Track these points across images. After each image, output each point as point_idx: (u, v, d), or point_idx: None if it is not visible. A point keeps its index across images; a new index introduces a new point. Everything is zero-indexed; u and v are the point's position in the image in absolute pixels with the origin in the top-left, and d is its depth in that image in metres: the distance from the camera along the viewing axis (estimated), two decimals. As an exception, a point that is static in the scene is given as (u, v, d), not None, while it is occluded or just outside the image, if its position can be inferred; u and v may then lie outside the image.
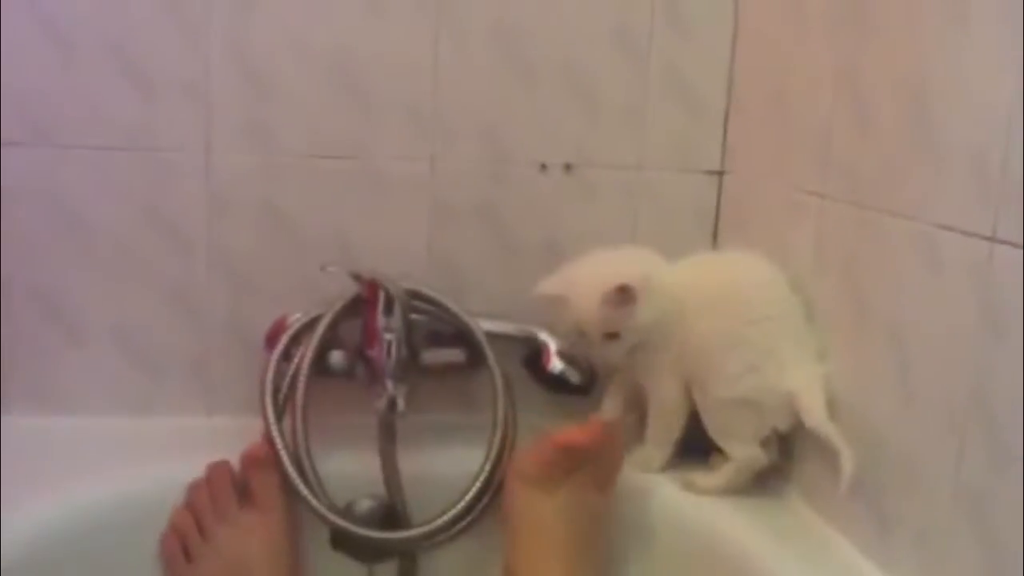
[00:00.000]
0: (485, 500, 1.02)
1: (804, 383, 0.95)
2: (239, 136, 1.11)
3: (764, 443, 1.00)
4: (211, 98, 1.10)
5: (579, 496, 0.98)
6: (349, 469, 1.05)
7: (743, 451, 1.00)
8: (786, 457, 1.02)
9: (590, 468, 0.98)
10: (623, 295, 0.97)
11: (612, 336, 0.99)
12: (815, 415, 0.93)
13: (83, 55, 1.07)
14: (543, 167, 1.16)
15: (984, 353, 0.74)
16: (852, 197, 0.93)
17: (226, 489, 0.99)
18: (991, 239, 0.73)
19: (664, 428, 1.04)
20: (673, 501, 1.02)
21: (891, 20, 0.88)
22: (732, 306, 0.99)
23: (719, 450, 1.02)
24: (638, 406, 1.06)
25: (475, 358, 1.09)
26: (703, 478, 1.02)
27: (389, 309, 1.04)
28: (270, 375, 1.03)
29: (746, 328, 0.98)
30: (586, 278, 1.00)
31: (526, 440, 1.04)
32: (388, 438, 1.03)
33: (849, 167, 0.94)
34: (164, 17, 1.08)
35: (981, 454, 0.75)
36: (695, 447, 1.04)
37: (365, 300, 1.06)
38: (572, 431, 0.98)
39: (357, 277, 1.07)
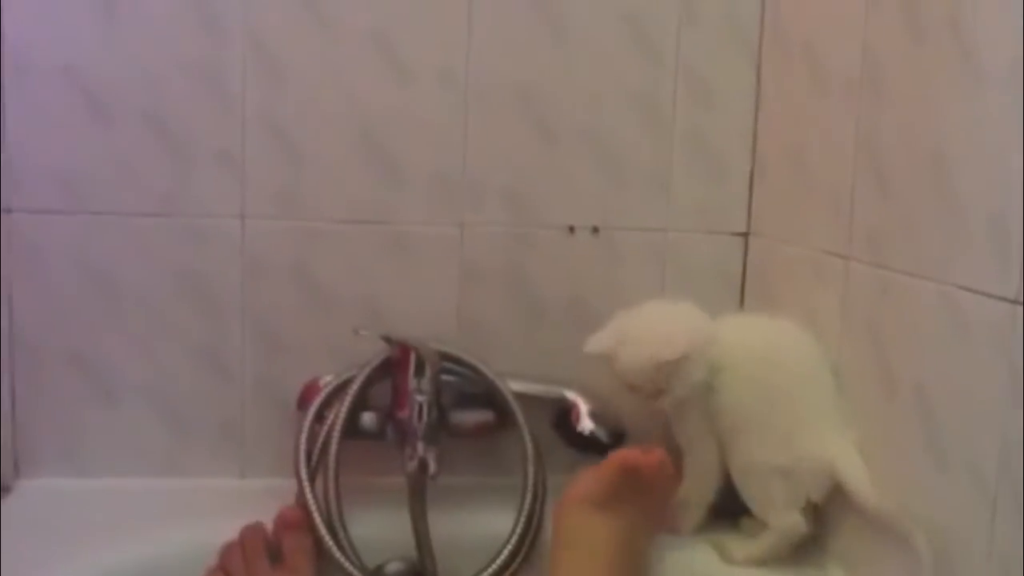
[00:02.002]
0: (516, 563, 1.02)
1: (843, 456, 0.93)
2: (272, 202, 1.13)
3: (801, 511, 0.97)
4: (245, 166, 1.12)
5: (632, 524, 0.96)
6: (379, 531, 1.05)
7: (783, 518, 0.97)
8: (823, 525, 0.99)
9: (644, 500, 0.98)
10: (675, 363, 0.97)
11: (660, 392, 0.99)
12: (866, 494, 0.90)
13: (120, 124, 1.10)
14: (571, 230, 1.18)
15: (1010, 417, 0.74)
16: (875, 259, 0.93)
17: (259, 551, 0.99)
18: (1014, 302, 0.74)
19: (698, 490, 1.03)
20: (708, 570, 1.00)
21: (908, 85, 0.89)
22: (764, 372, 0.98)
23: (750, 513, 1.01)
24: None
25: (504, 419, 1.10)
26: (740, 547, 0.99)
27: (420, 371, 1.05)
28: (303, 437, 1.05)
29: (777, 394, 0.97)
30: (636, 337, 0.99)
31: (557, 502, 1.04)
32: (419, 500, 1.03)
33: (871, 229, 0.94)
34: (199, 87, 1.11)
35: (1012, 523, 0.74)
36: (725, 509, 1.04)
37: (396, 362, 1.07)
38: (635, 453, 0.98)
39: (388, 340, 1.08)
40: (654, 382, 0.98)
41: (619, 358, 0.99)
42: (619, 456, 0.99)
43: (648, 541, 1.00)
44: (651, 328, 1.00)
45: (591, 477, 0.98)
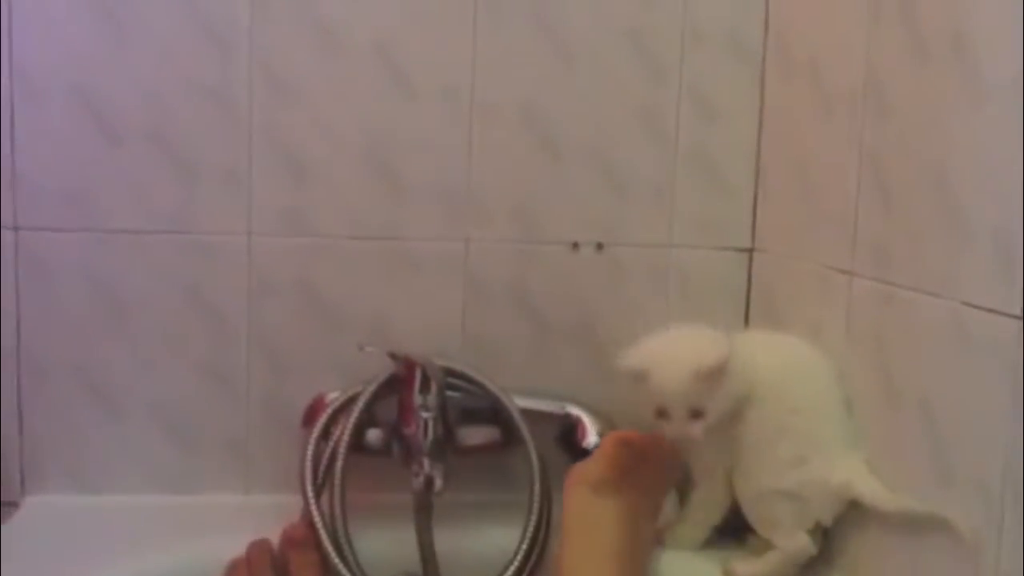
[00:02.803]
0: (522, 579, 1.02)
1: (853, 472, 0.92)
2: (278, 219, 1.14)
3: (809, 532, 0.96)
4: (251, 183, 1.13)
5: (635, 504, 0.96)
6: (385, 547, 1.05)
7: (791, 540, 0.96)
8: (828, 541, 0.98)
9: (645, 478, 0.98)
10: (716, 371, 0.93)
11: (696, 414, 0.94)
12: (881, 497, 0.90)
13: (127, 143, 1.11)
14: (575, 246, 1.18)
15: (1015, 432, 0.74)
16: (880, 274, 0.93)
17: (265, 568, 0.98)
18: (1019, 318, 0.74)
19: (706, 512, 1.02)
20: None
21: (912, 101, 0.89)
22: (775, 393, 0.97)
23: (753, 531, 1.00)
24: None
25: (510, 436, 1.10)
26: (746, 566, 0.98)
27: (425, 387, 1.05)
28: (309, 454, 1.05)
29: (790, 417, 0.96)
30: (672, 353, 0.96)
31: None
32: (424, 516, 1.03)
33: (876, 245, 0.95)
34: (206, 106, 1.12)
35: (1017, 537, 0.74)
36: (730, 525, 1.03)
37: (401, 378, 1.07)
38: (631, 431, 0.99)
39: (394, 356, 1.09)
40: (691, 400, 0.94)
41: (653, 375, 0.94)
42: (615, 434, 0.99)
43: (652, 520, 1.00)
44: (682, 344, 0.97)
45: (591, 459, 0.98)
